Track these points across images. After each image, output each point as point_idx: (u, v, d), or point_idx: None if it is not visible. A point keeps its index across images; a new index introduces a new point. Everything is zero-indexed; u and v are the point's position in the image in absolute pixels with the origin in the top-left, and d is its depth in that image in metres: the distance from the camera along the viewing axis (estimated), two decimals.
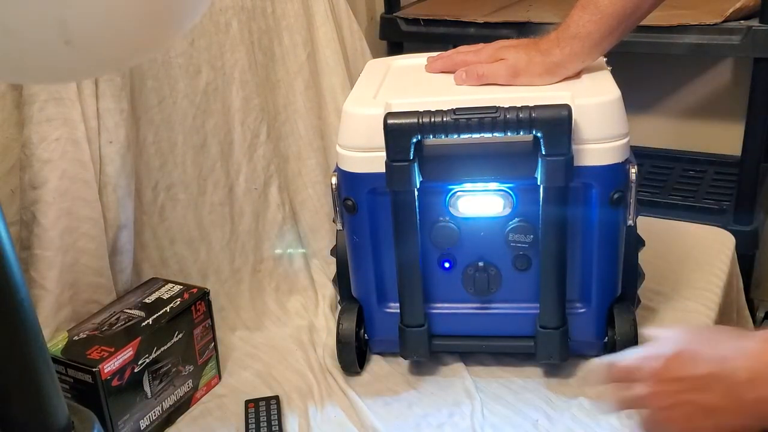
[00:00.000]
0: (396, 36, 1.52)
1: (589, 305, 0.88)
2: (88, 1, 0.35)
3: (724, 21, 1.25)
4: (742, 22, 1.25)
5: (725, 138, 1.60)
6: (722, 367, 0.51)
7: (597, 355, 0.92)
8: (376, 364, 0.96)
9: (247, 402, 0.90)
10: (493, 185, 0.84)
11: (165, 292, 0.90)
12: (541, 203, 0.80)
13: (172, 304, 0.88)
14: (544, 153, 0.77)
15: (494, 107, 0.77)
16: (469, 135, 0.78)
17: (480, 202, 0.85)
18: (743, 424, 0.51)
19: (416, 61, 0.99)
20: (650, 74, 1.66)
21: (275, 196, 1.15)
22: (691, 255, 1.14)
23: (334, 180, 0.87)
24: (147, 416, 0.84)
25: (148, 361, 0.83)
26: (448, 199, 0.85)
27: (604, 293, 0.88)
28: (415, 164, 0.80)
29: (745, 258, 1.31)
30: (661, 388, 0.54)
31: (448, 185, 0.84)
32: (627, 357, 0.59)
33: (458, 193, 0.84)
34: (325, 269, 1.16)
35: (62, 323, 0.88)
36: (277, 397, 0.90)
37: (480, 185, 0.84)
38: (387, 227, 0.85)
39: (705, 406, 0.52)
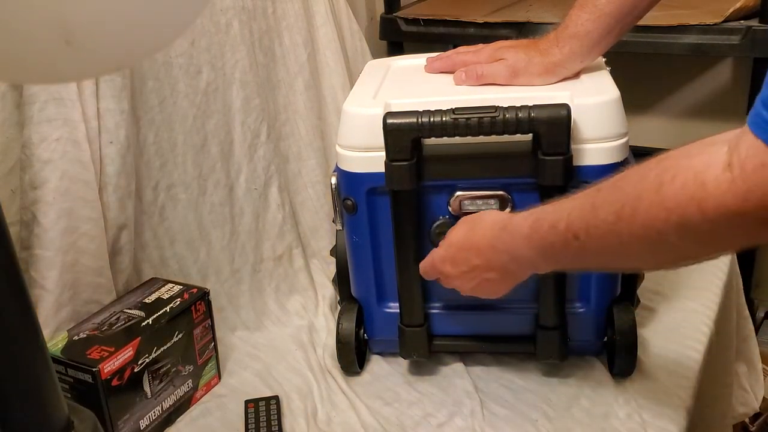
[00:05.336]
0: (396, 36, 1.52)
1: (589, 305, 0.88)
2: (88, 1, 0.35)
3: (724, 21, 1.25)
4: (742, 22, 1.25)
5: None
6: (492, 256, 0.75)
7: (597, 355, 0.93)
8: (376, 364, 0.96)
9: (247, 402, 0.90)
10: (493, 185, 0.84)
11: (165, 292, 0.91)
12: (540, 203, 0.80)
13: (172, 304, 0.88)
14: (543, 153, 0.77)
15: (493, 107, 0.77)
16: (469, 135, 0.78)
17: (479, 201, 0.85)
18: (521, 278, 0.76)
19: (416, 61, 0.99)
20: (650, 74, 1.66)
21: (275, 197, 1.15)
22: None
23: (333, 180, 0.87)
24: (147, 416, 0.85)
25: (148, 361, 0.83)
26: (447, 198, 0.85)
27: (604, 293, 0.88)
28: (415, 164, 0.80)
29: (745, 258, 1.31)
30: (458, 279, 0.79)
31: (448, 185, 0.84)
32: (426, 260, 0.82)
33: (458, 193, 0.84)
34: (325, 269, 1.16)
35: (62, 323, 0.88)
36: (277, 397, 0.90)
37: (479, 185, 0.84)
38: (387, 227, 0.85)
39: (492, 280, 0.76)
